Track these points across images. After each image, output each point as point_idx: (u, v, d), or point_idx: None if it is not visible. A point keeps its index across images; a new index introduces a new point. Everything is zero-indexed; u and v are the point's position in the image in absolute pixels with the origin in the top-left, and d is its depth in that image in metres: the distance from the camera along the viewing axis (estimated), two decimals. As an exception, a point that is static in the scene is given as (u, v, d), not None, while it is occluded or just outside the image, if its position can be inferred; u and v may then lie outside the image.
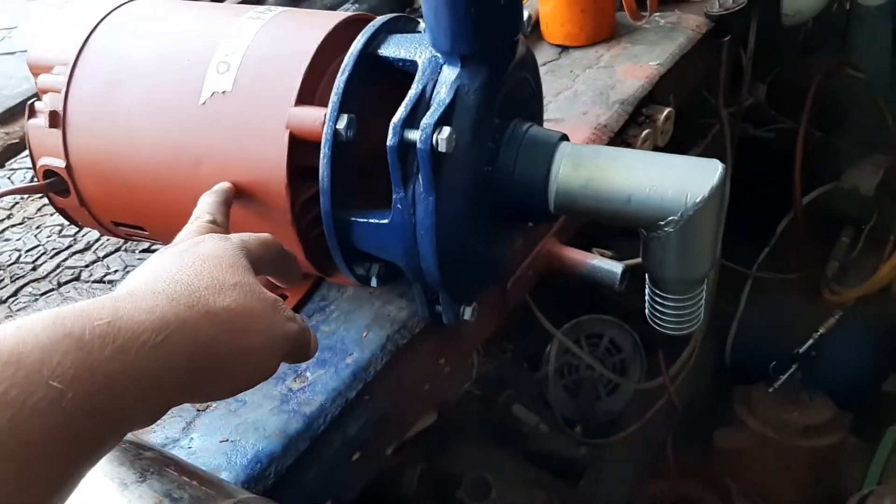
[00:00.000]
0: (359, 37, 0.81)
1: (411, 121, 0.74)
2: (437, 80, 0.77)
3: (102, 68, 0.89)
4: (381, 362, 0.86)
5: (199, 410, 0.84)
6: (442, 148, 0.72)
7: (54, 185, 0.93)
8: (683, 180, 0.78)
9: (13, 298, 1.06)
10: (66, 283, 1.07)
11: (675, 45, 1.34)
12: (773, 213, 2.11)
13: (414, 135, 0.73)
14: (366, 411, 0.84)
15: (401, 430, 0.93)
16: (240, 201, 0.83)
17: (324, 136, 0.77)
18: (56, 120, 0.90)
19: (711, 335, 2.14)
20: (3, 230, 1.22)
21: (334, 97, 0.78)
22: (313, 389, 0.84)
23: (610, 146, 0.91)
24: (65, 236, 1.17)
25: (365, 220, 0.79)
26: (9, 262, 1.13)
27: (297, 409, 0.82)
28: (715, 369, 2.25)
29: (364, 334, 0.89)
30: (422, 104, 0.76)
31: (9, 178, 1.34)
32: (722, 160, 0.80)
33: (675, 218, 0.78)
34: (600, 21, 1.37)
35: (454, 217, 0.77)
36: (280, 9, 0.90)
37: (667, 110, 1.26)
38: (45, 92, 0.91)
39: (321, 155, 0.78)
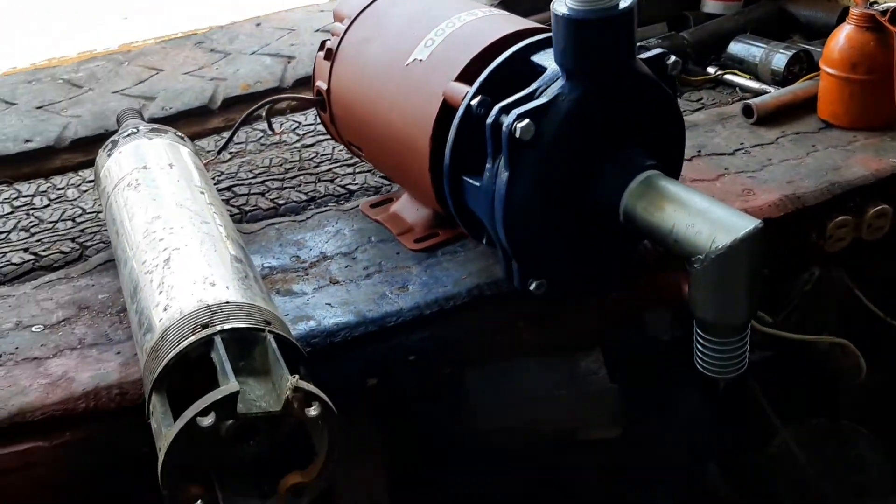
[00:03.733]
0: (523, 42, 1.01)
1: (510, 108, 0.93)
2: (549, 86, 0.94)
3: (367, 25, 1.20)
4: (462, 299, 1.06)
5: (331, 282, 1.12)
6: (517, 135, 0.90)
7: (319, 103, 1.27)
8: (716, 226, 0.86)
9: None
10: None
11: (935, 150, 1.29)
12: None
13: (504, 119, 0.92)
14: (431, 329, 1.05)
15: (459, 359, 1.10)
16: (403, 146, 1.09)
17: (461, 107, 0.99)
18: (329, 55, 1.23)
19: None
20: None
21: (478, 81, 0.99)
22: (403, 299, 1.07)
23: (691, 187, 0.98)
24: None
25: (468, 179, 1.00)
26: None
27: (382, 306, 1.06)
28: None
29: (464, 277, 1.09)
30: (528, 99, 0.94)
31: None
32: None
33: (701, 257, 0.87)
34: (869, 108, 1.36)
35: (524, 195, 0.94)
36: (496, 11, 1.12)
37: (882, 206, 1.24)
38: (334, 35, 1.25)
39: (454, 120, 1.00)
